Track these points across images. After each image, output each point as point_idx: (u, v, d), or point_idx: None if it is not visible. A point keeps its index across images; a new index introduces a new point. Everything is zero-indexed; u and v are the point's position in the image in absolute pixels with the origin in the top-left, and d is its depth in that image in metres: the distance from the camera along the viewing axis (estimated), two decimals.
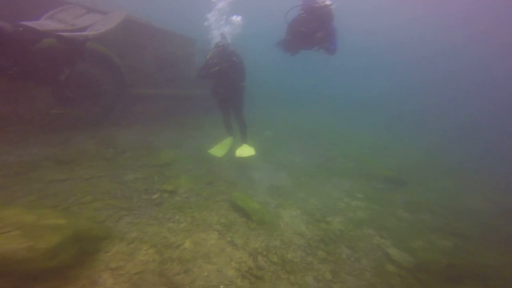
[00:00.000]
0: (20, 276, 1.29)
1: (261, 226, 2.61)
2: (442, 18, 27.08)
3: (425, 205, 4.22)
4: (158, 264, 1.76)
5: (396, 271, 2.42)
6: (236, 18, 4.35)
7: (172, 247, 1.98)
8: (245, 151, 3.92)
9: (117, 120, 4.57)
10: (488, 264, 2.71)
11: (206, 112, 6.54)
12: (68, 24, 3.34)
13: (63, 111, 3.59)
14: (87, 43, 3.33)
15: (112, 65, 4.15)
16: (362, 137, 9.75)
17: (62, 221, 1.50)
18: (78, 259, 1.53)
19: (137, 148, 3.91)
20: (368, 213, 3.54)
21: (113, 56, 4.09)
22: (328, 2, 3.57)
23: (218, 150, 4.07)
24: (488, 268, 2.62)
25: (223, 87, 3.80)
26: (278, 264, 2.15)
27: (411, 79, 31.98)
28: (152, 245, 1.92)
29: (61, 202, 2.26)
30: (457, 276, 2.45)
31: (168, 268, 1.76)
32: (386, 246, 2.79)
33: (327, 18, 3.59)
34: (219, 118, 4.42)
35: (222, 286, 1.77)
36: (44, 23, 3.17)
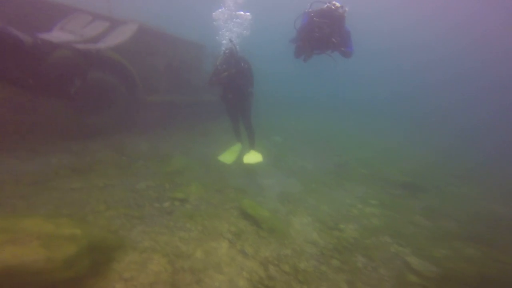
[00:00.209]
0: (38, 287, 1.33)
1: (271, 234, 2.58)
2: (452, 19, 26.43)
3: (444, 211, 4.03)
4: (170, 275, 1.77)
5: (419, 281, 2.29)
6: (245, 14, 4.34)
7: (184, 257, 1.99)
8: (253, 157, 3.92)
9: (130, 128, 4.69)
10: None
11: (216, 118, 6.61)
12: (78, 35, 3.33)
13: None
14: (100, 55, 3.39)
15: (126, 72, 4.23)
16: (373, 141, 9.53)
17: (78, 231, 1.54)
18: (93, 269, 1.56)
19: (149, 156, 4.00)
20: (384, 220, 3.42)
21: (127, 64, 4.17)
22: (337, 4, 3.53)
23: (227, 157, 4.09)
24: None
25: (231, 92, 3.85)
26: (290, 274, 2.11)
27: (420, 81, 31.22)
28: (164, 255, 1.93)
29: (77, 210, 2.33)
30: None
31: (180, 278, 1.77)
32: (405, 255, 2.67)
33: (340, 21, 3.53)
34: (228, 124, 4.46)
35: None
36: (57, 35, 3.19)
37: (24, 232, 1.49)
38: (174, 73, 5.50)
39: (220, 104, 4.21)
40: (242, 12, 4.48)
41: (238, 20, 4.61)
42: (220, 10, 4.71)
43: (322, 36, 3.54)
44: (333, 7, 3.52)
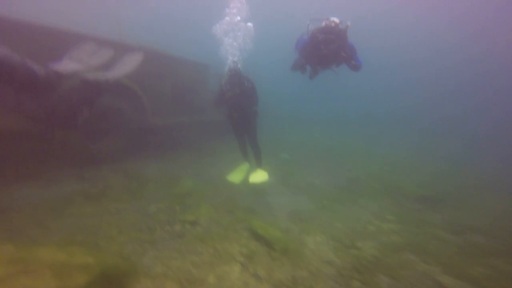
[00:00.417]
0: None
1: (284, 255, 2.49)
2: (460, 31, 26.82)
3: (472, 225, 3.75)
4: None
5: None
6: (247, 25, 4.39)
7: (196, 282, 1.93)
8: (259, 176, 3.91)
9: (139, 151, 4.81)
10: None
11: (222, 137, 6.69)
12: (85, 64, 3.33)
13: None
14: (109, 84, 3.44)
15: (135, 97, 4.34)
16: (382, 154, 9.32)
17: (91, 259, 1.55)
18: None
19: (158, 178, 4.05)
20: (404, 236, 3.23)
21: (135, 88, 4.28)
22: (336, 20, 3.58)
23: (235, 176, 4.09)
24: None
25: (236, 112, 3.93)
26: None
27: (426, 92, 30.98)
28: (177, 281, 1.89)
29: (90, 236, 2.35)
30: None
31: None
32: (435, 274, 2.43)
33: (343, 36, 3.55)
34: (234, 143, 4.50)
35: None
36: (67, 64, 3.20)
37: (37, 262, 1.51)
38: (180, 94, 5.63)
39: (226, 123, 4.28)
40: (243, 23, 4.50)
41: (239, 33, 4.64)
42: (219, 23, 4.73)
43: (330, 52, 3.53)
44: (332, 24, 3.56)
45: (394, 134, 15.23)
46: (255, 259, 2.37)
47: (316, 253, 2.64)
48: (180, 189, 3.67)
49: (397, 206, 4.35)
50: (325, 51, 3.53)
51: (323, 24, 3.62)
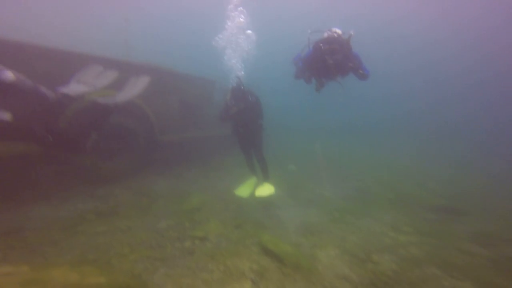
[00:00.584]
0: None
1: (296, 271, 2.41)
2: (465, 36, 26.82)
3: (502, 236, 3.47)
4: None
5: None
6: (248, 33, 4.38)
7: None
8: (265, 189, 3.89)
9: (148, 168, 4.90)
10: None
11: (229, 152, 6.72)
12: (91, 86, 3.27)
13: None
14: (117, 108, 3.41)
15: (144, 115, 4.44)
16: (391, 162, 9.09)
17: (102, 279, 1.56)
18: None
19: (168, 194, 4.09)
20: (425, 249, 3.02)
21: (144, 106, 4.37)
22: (338, 31, 3.54)
23: (243, 190, 4.08)
24: None
25: (242, 127, 3.97)
26: None
27: (430, 97, 30.52)
28: None
29: (102, 255, 2.37)
30: None
31: None
32: None
33: (347, 46, 3.49)
34: (241, 157, 4.52)
35: None
36: (74, 87, 3.14)
37: (50, 283, 1.54)
38: (187, 110, 5.73)
39: (233, 138, 4.33)
40: (242, 33, 4.43)
41: (241, 42, 4.53)
42: (220, 35, 4.67)
43: (336, 62, 3.44)
44: (335, 34, 3.52)
45: (401, 140, 14.90)
46: (266, 275, 2.31)
47: (330, 268, 2.55)
48: (189, 204, 3.69)
49: (413, 216, 4.17)
50: (331, 61, 3.44)
51: (326, 35, 3.60)
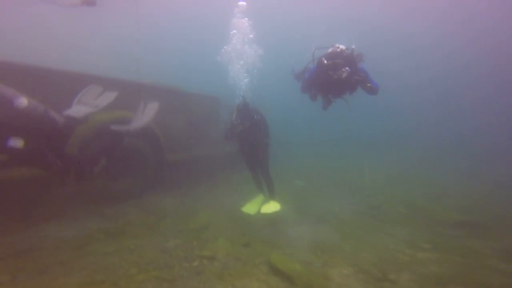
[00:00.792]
0: None
1: None
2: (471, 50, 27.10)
3: None
4: None
5: None
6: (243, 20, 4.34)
7: None
8: (271, 207, 3.86)
9: (156, 187, 4.94)
10: None
11: (235, 169, 6.72)
12: (92, 106, 3.15)
13: None
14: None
15: (153, 136, 4.52)
16: (403, 176, 8.88)
17: None
18: None
19: (175, 213, 4.09)
20: (447, 266, 2.85)
21: (153, 127, 4.43)
22: (342, 47, 3.55)
23: (250, 208, 4.05)
24: None
25: (248, 145, 4.01)
26: None
27: (433, 110, 30.24)
28: None
29: (110, 275, 2.36)
30: None
31: None
32: None
33: (351, 59, 3.47)
34: (248, 175, 4.52)
35: None
36: (78, 109, 3.02)
37: None
38: (193, 129, 5.81)
39: (239, 155, 4.36)
40: (247, 46, 4.47)
41: (246, 57, 4.58)
42: (223, 50, 4.72)
43: (340, 77, 3.38)
44: (337, 49, 3.54)
45: (408, 152, 14.62)
46: None
47: None
48: (196, 222, 3.67)
49: (431, 232, 3.97)
50: (335, 76, 3.40)
51: (329, 50, 3.62)
